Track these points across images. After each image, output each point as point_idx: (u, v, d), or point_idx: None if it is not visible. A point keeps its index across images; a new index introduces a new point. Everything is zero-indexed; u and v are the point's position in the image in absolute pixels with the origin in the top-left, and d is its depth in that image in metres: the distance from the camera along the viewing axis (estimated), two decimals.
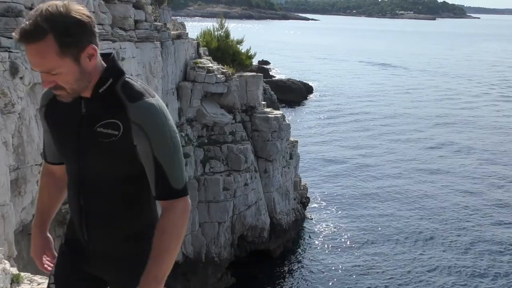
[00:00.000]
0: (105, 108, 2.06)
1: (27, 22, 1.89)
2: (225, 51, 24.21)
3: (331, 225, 22.49)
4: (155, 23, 16.91)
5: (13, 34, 1.91)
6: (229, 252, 19.29)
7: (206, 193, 18.67)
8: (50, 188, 2.44)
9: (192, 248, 18.24)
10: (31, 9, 9.84)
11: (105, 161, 2.11)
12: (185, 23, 27.79)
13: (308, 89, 49.77)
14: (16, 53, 8.55)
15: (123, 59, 13.18)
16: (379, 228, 22.18)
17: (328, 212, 23.75)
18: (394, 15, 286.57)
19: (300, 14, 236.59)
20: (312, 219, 23.24)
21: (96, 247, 2.24)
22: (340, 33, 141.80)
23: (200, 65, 20.35)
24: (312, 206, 24.30)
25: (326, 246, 20.85)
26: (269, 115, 21.19)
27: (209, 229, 18.69)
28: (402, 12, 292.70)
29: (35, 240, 2.49)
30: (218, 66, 21.20)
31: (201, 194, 18.62)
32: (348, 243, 20.94)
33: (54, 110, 2.18)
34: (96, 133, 2.06)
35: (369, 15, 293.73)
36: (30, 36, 1.86)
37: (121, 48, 13.22)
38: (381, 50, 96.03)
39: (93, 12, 11.56)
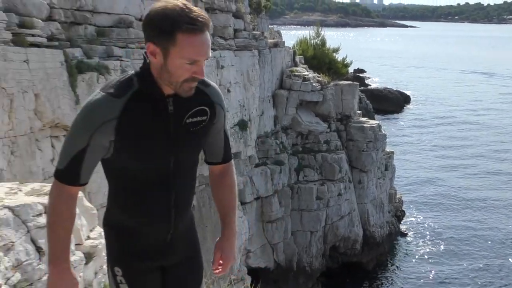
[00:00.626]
0: (191, 100, 2.14)
1: (201, 14, 1.98)
2: (321, 59, 24.11)
3: (428, 240, 21.53)
4: (254, 31, 17.25)
5: (199, 23, 1.95)
6: (321, 262, 19.10)
7: (299, 201, 18.65)
8: (73, 214, 2.17)
9: (284, 256, 18.28)
10: (141, 20, 10.45)
11: (195, 149, 2.27)
12: (282, 31, 28.09)
13: (406, 99, 48.17)
14: (127, 61, 9.09)
15: (222, 67, 13.58)
16: (480, 243, 20.89)
17: (425, 227, 22.76)
18: (501, 21, 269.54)
19: (398, 21, 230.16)
20: (407, 233, 22.41)
21: (177, 235, 2.34)
22: (440, 40, 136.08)
23: (296, 73, 20.43)
24: (408, 220, 23.42)
25: (421, 262, 19.98)
26: (365, 125, 20.79)
27: (301, 238, 18.64)
28: (511, 17, 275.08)
29: (70, 279, 2.17)
30: (314, 75, 21.17)
31: (294, 202, 18.64)
32: (445, 260, 19.91)
33: (130, 119, 2.03)
34: (186, 125, 2.16)
35: (473, 20, 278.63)
36: (208, 25, 2.01)
37: (220, 56, 13.63)
38: (485, 58, 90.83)
39: None
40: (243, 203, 16.53)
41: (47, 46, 7.49)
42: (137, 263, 2.29)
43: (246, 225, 15.59)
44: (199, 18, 1.95)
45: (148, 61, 2.07)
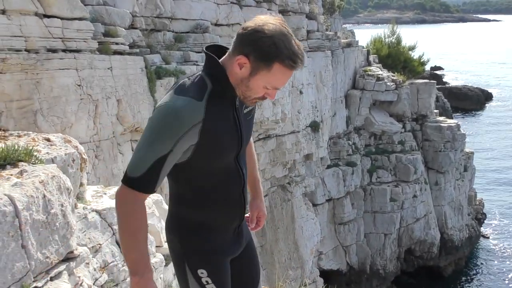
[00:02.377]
0: None
1: (302, 51, 2.08)
2: (396, 58, 23.52)
3: (509, 246, 20.44)
4: (327, 32, 17.16)
5: (299, 63, 2.05)
6: (395, 266, 18.68)
7: (372, 203, 18.34)
8: (147, 222, 2.17)
9: (356, 258, 18.06)
10: (216, 25, 10.72)
11: (249, 137, 2.39)
12: (355, 30, 27.67)
13: (487, 96, 45.87)
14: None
15: None
16: None
17: (508, 230, 21.63)
18: None
19: (480, 16, 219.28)
20: (488, 237, 21.41)
21: (242, 224, 2.44)
22: None
23: (369, 72, 20.09)
24: (489, 223, 22.35)
25: (504, 267, 19.02)
26: (442, 124, 20.07)
27: (374, 240, 18.32)
28: None
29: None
30: (388, 74, 20.71)
31: (367, 204, 18.36)
32: None
33: (211, 120, 2.07)
34: (245, 115, 2.28)
35: None
36: (304, 63, 2.12)
37: None
38: None
39: None
40: (314, 204, 16.51)
41: (129, 54, 7.89)
42: (220, 259, 2.33)
43: (318, 226, 15.56)
44: (299, 57, 2.05)
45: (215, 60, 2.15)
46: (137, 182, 2.02)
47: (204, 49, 2.22)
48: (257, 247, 13.49)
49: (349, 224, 17.79)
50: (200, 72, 2.18)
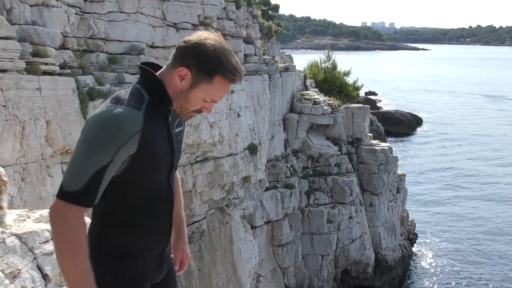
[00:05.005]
0: (174, 111, 2.26)
1: (240, 67, 2.15)
2: (331, 82, 24.25)
3: (441, 264, 21.25)
4: (264, 56, 17.45)
5: (239, 77, 2.12)
6: (332, 286, 18.92)
7: (310, 225, 18.58)
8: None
9: (294, 280, 18.15)
10: (152, 47, 10.66)
11: (178, 158, 2.35)
12: (293, 55, 28.33)
13: (417, 121, 48.06)
14: None
15: (232, 91, 13.72)
16: (497, 265, 20.55)
17: (438, 250, 22.48)
18: None
19: (410, 44, 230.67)
20: (420, 257, 22.13)
21: (166, 248, 2.39)
22: (452, 62, 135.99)
23: (306, 96, 20.56)
24: (420, 242, 23.15)
25: (435, 286, 19.69)
26: (376, 147, 20.76)
27: (312, 261, 18.52)
28: None
29: None
30: (325, 98, 21.28)
31: (304, 225, 18.57)
32: (461, 283, 19.60)
33: (148, 130, 2.04)
34: (176, 134, 2.29)
35: (486, 43, 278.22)
36: (241, 78, 2.17)
37: None
38: (498, 80, 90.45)
39: None
40: (253, 227, 16.51)
41: (59, 74, 7.67)
42: (143, 285, 2.23)
43: (256, 249, 15.54)
44: (239, 71, 2.13)
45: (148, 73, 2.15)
46: (77, 196, 1.92)
47: (139, 64, 2.22)
48: (195, 270, 13.28)
49: (287, 246, 17.91)
50: (136, 85, 2.15)
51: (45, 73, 7.30)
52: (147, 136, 2.03)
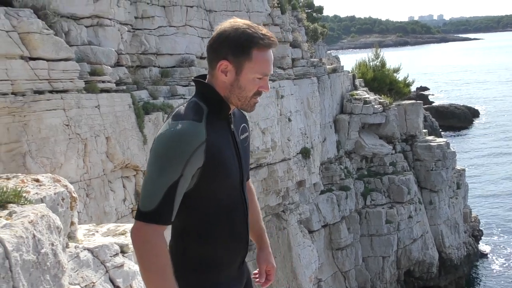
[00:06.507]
0: (237, 117, 2.31)
1: (270, 33, 2.16)
2: (381, 80, 23.83)
3: (510, 261, 20.37)
4: (311, 59, 17.40)
5: (273, 38, 2.13)
6: None
7: (369, 227, 18.28)
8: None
9: (356, 283, 17.87)
10: (201, 58, 10.85)
11: (248, 164, 2.36)
12: (340, 56, 28.10)
13: (474, 113, 46.43)
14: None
15: (282, 96, 13.75)
16: None
17: (506, 246, 21.58)
18: None
19: (461, 35, 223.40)
20: (487, 254, 21.32)
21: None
22: (508, 51, 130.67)
23: (356, 96, 20.30)
24: (486, 239, 22.31)
25: (505, 283, 18.89)
26: (432, 143, 20.22)
27: (373, 264, 18.19)
28: None
29: None
30: (375, 97, 20.95)
31: (363, 227, 18.29)
32: None
33: (213, 140, 2.06)
34: (242, 141, 2.29)
35: None
36: (276, 42, 2.17)
37: (280, 86, 13.82)
38: None
39: None
40: (310, 231, 16.41)
41: (116, 91, 7.94)
42: None
43: (315, 253, 15.44)
44: (270, 34, 2.13)
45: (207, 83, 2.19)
46: (154, 215, 1.97)
47: (193, 78, 2.27)
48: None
49: (347, 249, 17.67)
50: (193, 98, 2.19)
51: (103, 90, 7.57)
52: (213, 147, 2.05)
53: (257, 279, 2.54)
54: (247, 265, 2.47)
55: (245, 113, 2.39)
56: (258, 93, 2.19)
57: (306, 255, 14.93)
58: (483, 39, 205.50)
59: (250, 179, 2.54)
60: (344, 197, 17.80)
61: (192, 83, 2.34)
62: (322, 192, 17.45)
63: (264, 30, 2.12)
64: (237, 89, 2.14)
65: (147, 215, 1.98)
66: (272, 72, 2.19)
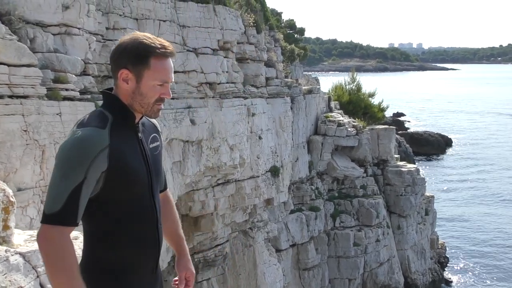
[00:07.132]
0: (146, 127, 2.38)
1: (168, 43, 2.22)
2: (356, 104, 24.17)
3: None
4: (286, 79, 17.54)
5: (170, 48, 2.20)
6: None
7: (336, 248, 18.33)
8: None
9: None
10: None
11: (159, 174, 2.40)
12: (320, 77, 28.39)
13: (447, 142, 47.21)
14: None
15: (253, 114, 13.79)
16: None
17: (470, 274, 21.80)
18: None
19: (439, 65, 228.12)
20: (451, 281, 21.50)
21: (157, 262, 2.39)
22: (483, 82, 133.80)
23: (331, 118, 20.51)
24: (452, 266, 22.52)
25: None
26: (402, 169, 20.48)
27: (339, 286, 18.20)
28: None
29: None
30: (349, 120, 21.19)
31: (331, 248, 18.33)
32: None
33: (117, 147, 2.11)
34: (152, 149, 2.34)
35: None
36: (174, 53, 2.25)
37: (252, 104, 13.88)
38: None
39: (227, 71, 12.38)
40: (278, 250, 16.38)
41: (80, 99, 7.87)
42: None
43: (280, 272, 15.39)
44: (167, 46, 2.20)
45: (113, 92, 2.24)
46: (59, 217, 1.99)
47: (100, 91, 2.33)
48: None
49: (314, 270, 17.67)
50: (98, 108, 2.26)
51: (66, 98, 7.50)
52: (117, 152, 2.10)
53: (177, 286, 2.54)
54: (161, 277, 2.47)
55: (155, 122, 2.46)
56: (161, 100, 2.25)
57: (271, 274, 14.86)
58: (459, 69, 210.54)
59: (168, 189, 2.60)
60: (314, 217, 17.84)
61: None
62: (292, 212, 17.48)
63: (161, 41, 2.20)
64: (138, 96, 2.20)
65: (52, 217, 2.00)
66: (172, 80, 2.26)
